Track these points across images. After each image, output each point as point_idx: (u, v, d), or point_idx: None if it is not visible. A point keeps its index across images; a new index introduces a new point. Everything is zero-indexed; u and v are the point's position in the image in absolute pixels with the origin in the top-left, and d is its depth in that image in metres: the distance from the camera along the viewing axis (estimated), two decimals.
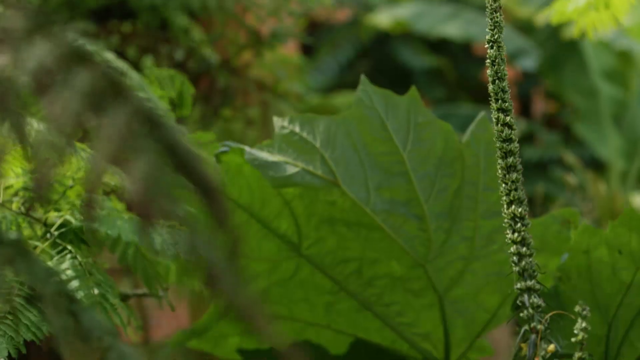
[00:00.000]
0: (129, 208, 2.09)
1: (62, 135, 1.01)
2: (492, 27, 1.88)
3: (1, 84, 1.03)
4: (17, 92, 1.03)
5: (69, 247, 1.82)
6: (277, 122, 2.13)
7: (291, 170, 2.11)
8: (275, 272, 2.27)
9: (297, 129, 2.12)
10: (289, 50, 9.71)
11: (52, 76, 1.02)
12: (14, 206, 1.86)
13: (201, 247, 0.99)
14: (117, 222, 1.82)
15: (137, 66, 3.88)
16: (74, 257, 1.80)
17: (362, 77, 2.16)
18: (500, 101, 1.86)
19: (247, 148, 2.11)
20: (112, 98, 1.01)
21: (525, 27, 8.33)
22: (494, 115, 1.86)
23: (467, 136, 2.17)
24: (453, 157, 2.14)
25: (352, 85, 8.96)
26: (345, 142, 2.13)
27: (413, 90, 2.15)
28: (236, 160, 2.15)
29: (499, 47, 1.87)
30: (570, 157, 5.19)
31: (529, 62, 7.86)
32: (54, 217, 1.87)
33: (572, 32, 6.43)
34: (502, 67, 1.86)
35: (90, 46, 1.10)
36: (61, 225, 1.85)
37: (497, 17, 1.88)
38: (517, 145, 1.87)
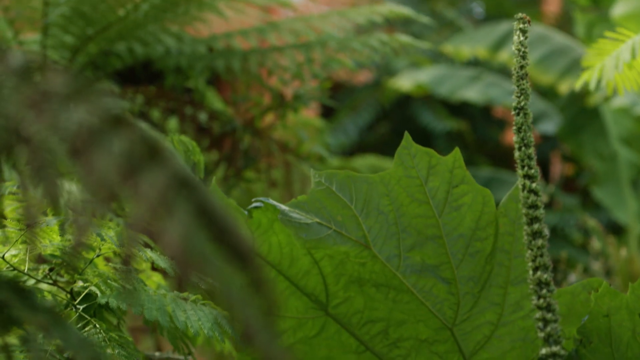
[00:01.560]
0: (153, 268, 2.10)
1: (99, 198, 1.02)
2: (519, 94, 1.89)
3: (39, 148, 1.04)
4: (54, 156, 1.04)
5: (93, 321, 1.82)
6: (315, 177, 2.13)
7: (324, 232, 2.12)
8: (301, 330, 2.27)
9: (333, 187, 2.12)
10: (311, 112, 9.79)
11: (90, 140, 1.03)
12: (40, 273, 1.87)
13: (237, 306, 1.00)
14: (142, 296, 1.82)
15: (161, 128, 3.92)
16: (99, 332, 1.80)
17: (406, 134, 2.15)
18: (526, 168, 1.87)
19: (280, 206, 2.11)
20: (149, 161, 1.03)
21: (546, 92, 8.37)
22: (520, 181, 1.87)
23: (503, 203, 2.17)
24: (488, 222, 2.15)
25: (373, 146, 8.99)
26: (381, 203, 2.13)
27: (456, 151, 2.15)
28: (267, 216, 2.15)
29: (525, 114, 1.88)
30: (591, 221, 5.20)
31: (549, 126, 7.89)
32: (79, 286, 1.87)
33: (594, 100, 6.42)
34: (528, 134, 1.87)
35: (126, 111, 1.12)
36: (86, 296, 1.86)
37: (524, 85, 1.90)
38: (542, 212, 1.87)
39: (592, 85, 2.53)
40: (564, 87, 7.04)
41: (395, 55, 3.86)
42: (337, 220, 2.11)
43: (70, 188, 1.26)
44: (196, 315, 1.84)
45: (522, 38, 1.93)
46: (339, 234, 2.12)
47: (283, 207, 2.10)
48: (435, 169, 2.13)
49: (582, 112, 7.45)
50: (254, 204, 2.11)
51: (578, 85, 2.60)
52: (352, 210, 2.11)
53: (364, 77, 9.70)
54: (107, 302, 1.82)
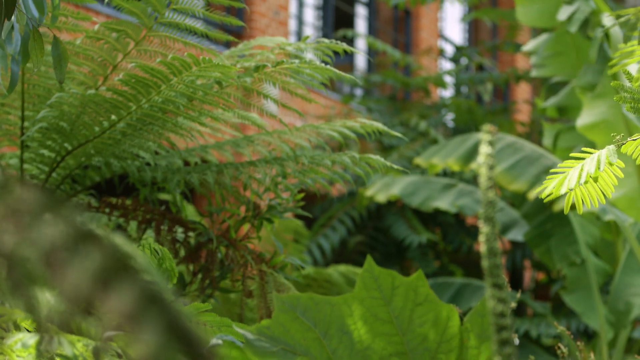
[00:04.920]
0: None
1: (74, 309, 1.06)
2: (486, 205, 1.95)
3: (14, 262, 1.08)
4: (28, 270, 1.09)
5: None
6: (279, 301, 2.17)
7: (289, 358, 2.15)
8: None
9: (297, 311, 2.16)
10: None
11: (61, 256, 1.07)
12: None
13: None
14: None
15: (138, 240, 3.95)
16: None
17: (368, 257, 2.21)
18: (494, 277, 1.92)
19: (246, 335, 2.15)
20: (119, 278, 1.07)
21: (516, 200, 8.49)
22: (489, 291, 1.91)
23: (468, 318, 2.22)
24: (452, 336, 2.19)
25: (348, 257, 8.96)
26: (345, 323, 2.17)
27: (419, 273, 2.21)
28: (225, 347, 2.19)
29: (492, 224, 1.94)
30: (559, 327, 5.24)
31: (519, 235, 7.99)
32: None
33: (561, 206, 6.54)
34: (495, 244, 1.93)
35: (98, 227, 1.16)
36: None
37: (491, 196, 1.96)
38: (510, 320, 1.91)
39: (546, 192, 2.59)
40: (533, 195, 7.15)
41: (366, 175, 3.94)
42: (301, 343, 2.15)
43: (48, 298, 1.30)
44: None
45: (489, 150, 2.00)
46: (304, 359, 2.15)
47: (248, 335, 2.14)
48: (398, 289, 2.18)
49: (551, 219, 7.55)
50: (214, 342, 2.15)
51: (538, 191, 2.66)
52: (315, 333, 2.15)
53: (339, 186, 9.78)
54: None
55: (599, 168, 2.50)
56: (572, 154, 2.66)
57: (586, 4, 6.19)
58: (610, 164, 2.53)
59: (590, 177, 2.54)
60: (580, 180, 2.48)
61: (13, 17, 2.92)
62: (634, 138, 2.64)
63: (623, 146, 2.63)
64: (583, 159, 2.61)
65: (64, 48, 3.12)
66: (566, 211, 2.66)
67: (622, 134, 2.67)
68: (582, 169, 2.54)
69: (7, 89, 3.04)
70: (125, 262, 1.09)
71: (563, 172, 2.62)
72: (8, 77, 3.00)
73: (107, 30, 3.86)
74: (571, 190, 2.50)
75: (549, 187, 2.55)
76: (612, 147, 2.58)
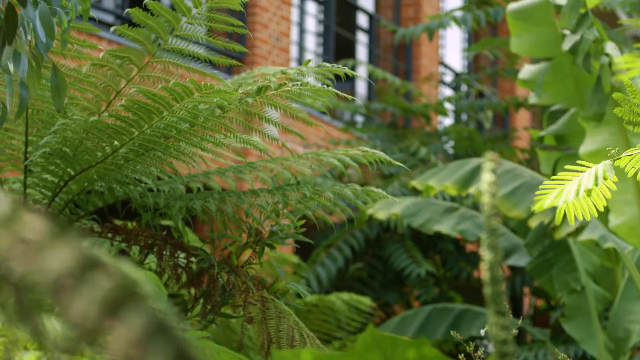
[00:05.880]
0: None
1: (79, 335, 1.07)
2: (489, 233, 1.96)
3: (23, 289, 1.09)
4: (37, 296, 1.09)
5: None
6: (278, 357, 2.18)
7: None
8: None
9: None
10: (288, 248, 9.79)
11: (68, 284, 1.08)
12: None
13: None
14: None
15: (141, 265, 3.96)
16: None
17: (369, 326, 2.22)
18: (496, 304, 1.92)
19: None
20: (126, 306, 1.08)
21: (520, 229, 8.50)
22: (491, 318, 1.92)
23: None
24: None
25: (349, 285, 8.92)
26: None
27: (423, 340, 2.21)
28: None
29: (495, 252, 1.94)
30: (559, 354, 5.24)
31: (520, 261, 7.98)
32: None
33: (562, 234, 6.54)
34: (497, 272, 1.93)
35: (105, 255, 1.17)
36: None
37: (494, 224, 1.96)
38: (513, 348, 1.92)
39: (544, 206, 2.60)
40: (534, 222, 7.15)
41: (367, 205, 3.96)
42: None
43: (54, 324, 1.31)
44: None
45: (491, 177, 2.01)
46: None
47: None
48: (399, 348, 2.18)
49: (551, 247, 7.54)
50: None
51: (534, 207, 2.68)
52: None
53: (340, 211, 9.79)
54: None
55: (596, 183, 2.52)
56: (566, 167, 2.68)
57: (590, 32, 6.21)
58: (605, 179, 2.55)
59: (586, 192, 2.55)
60: (579, 194, 2.50)
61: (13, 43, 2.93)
62: (629, 154, 2.66)
63: (616, 161, 2.65)
64: (579, 172, 2.63)
65: (63, 77, 3.14)
66: (557, 222, 2.67)
67: (617, 149, 2.69)
68: (579, 184, 2.56)
69: (16, 114, 3.05)
70: (132, 290, 1.10)
71: (553, 188, 2.63)
72: (16, 102, 3.01)
73: (111, 57, 3.88)
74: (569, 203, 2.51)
75: (546, 201, 2.57)
76: (608, 162, 2.60)
